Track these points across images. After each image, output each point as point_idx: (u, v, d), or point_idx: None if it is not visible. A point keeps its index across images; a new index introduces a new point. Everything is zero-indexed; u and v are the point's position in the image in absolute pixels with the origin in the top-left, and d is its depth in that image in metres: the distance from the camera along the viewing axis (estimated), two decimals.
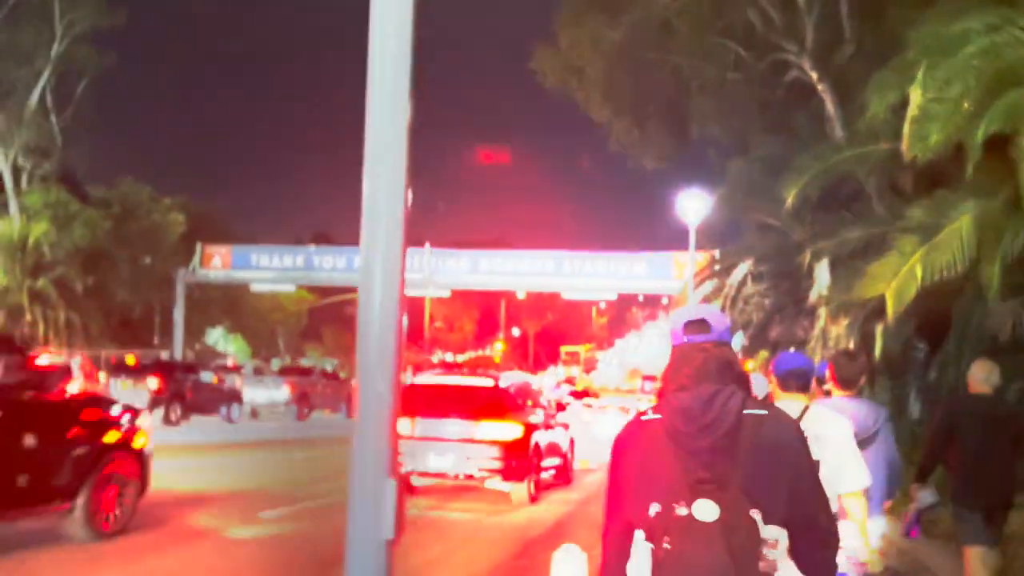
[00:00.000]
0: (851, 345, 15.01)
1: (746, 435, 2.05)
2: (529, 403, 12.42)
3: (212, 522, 8.82)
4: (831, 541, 2.15)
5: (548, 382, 44.72)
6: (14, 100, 37.15)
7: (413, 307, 70.95)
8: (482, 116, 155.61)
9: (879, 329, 14.52)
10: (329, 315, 70.80)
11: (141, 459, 7.98)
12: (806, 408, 3.60)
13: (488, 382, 12.10)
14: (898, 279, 9.57)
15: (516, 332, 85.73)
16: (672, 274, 31.61)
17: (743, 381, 2.17)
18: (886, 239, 10.62)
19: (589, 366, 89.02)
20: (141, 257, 38.14)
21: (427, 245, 35.69)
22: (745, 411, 2.08)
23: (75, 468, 7.10)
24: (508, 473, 10.47)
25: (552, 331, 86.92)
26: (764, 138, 21.16)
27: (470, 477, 10.56)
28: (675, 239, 29.13)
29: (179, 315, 38.82)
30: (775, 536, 2.00)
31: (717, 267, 20.27)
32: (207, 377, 25.87)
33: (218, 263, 38.40)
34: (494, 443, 10.40)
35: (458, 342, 79.33)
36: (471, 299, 73.97)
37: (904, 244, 9.69)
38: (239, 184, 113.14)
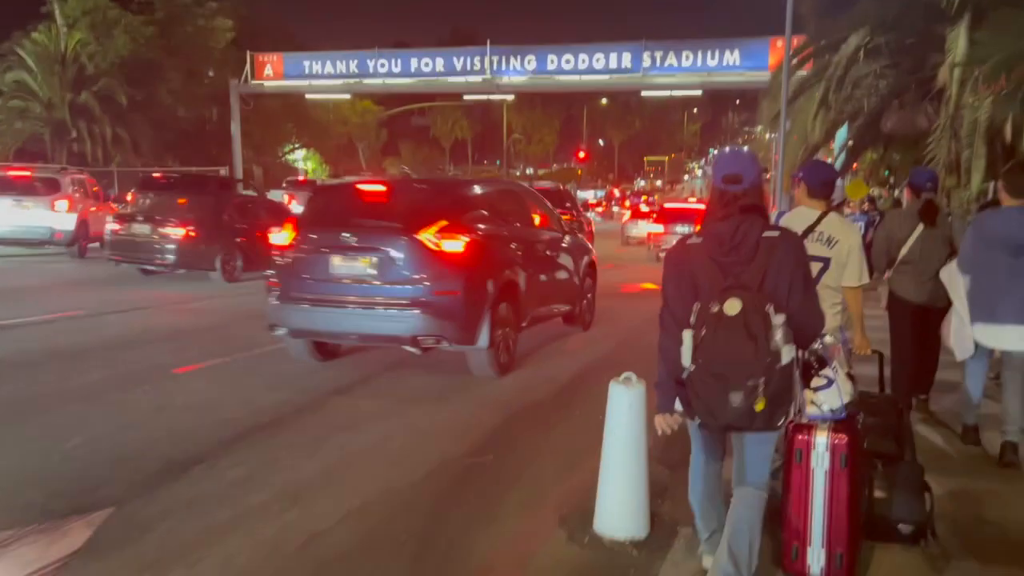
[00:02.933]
0: (1006, 133, 11.49)
1: (762, 252, 2.95)
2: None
3: None
4: (815, 323, 3.04)
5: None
6: None
7: (488, 116, 67.22)
8: None
9: None
10: (402, 127, 68.32)
11: None
12: (824, 214, 4.20)
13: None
14: None
15: (601, 143, 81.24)
16: (769, 63, 27.12)
17: (763, 214, 3.06)
18: None
19: (674, 177, 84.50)
20: (190, 66, 35.83)
21: (487, 43, 31.93)
22: (763, 234, 2.98)
23: None
24: None
25: (639, 140, 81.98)
26: None
27: None
28: (772, 27, 24.56)
29: (236, 129, 36.89)
30: (782, 322, 2.82)
31: (822, 42, 16.27)
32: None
33: (270, 72, 35.73)
34: None
35: (539, 154, 75.78)
36: (551, 108, 69.67)
37: None
38: None
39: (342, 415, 6.02)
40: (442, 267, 6.99)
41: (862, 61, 14.90)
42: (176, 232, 13.63)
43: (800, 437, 3.31)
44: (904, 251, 5.63)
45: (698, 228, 3.17)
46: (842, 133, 18.41)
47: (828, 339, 3.28)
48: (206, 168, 32.05)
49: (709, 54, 29.47)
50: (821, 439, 3.27)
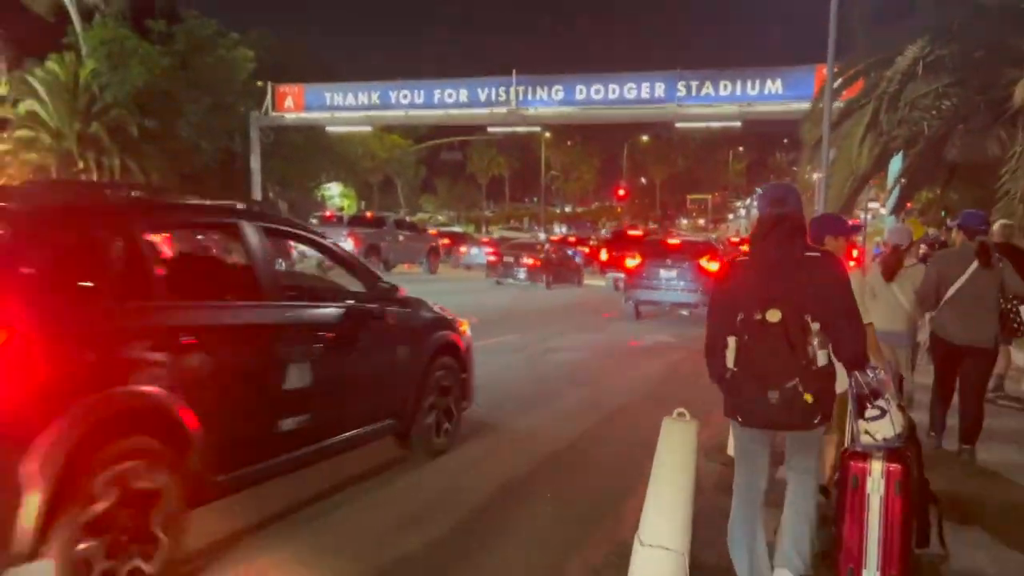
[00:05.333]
0: None
1: (804, 268, 3.28)
2: None
3: None
4: (852, 334, 3.29)
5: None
6: None
7: (525, 153, 65.61)
8: None
9: None
10: (439, 163, 67.07)
11: None
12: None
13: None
14: None
15: (643, 181, 79.03)
16: (815, 92, 24.82)
17: (803, 236, 3.43)
18: None
19: (718, 216, 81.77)
20: (214, 99, 34.77)
21: (513, 73, 30.23)
22: (806, 253, 3.34)
23: None
24: None
25: (682, 179, 79.62)
26: None
27: None
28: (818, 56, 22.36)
29: (256, 162, 35.73)
30: (818, 329, 3.18)
31: (872, 58, 14.00)
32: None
33: (291, 104, 34.53)
34: None
35: (577, 192, 73.84)
36: (590, 144, 67.92)
37: None
38: (337, 18, 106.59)
39: None
40: (708, 274, 14.43)
41: (920, 78, 12.61)
42: (527, 261, 24.35)
43: (856, 464, 3.46)
44: (952, 291, 5.78)
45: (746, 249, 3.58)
46: (895, 165, 15.99)
47: (880, 372, 3.46)
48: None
49: (749, 83, 27.30)
50: (876, 466, 3.41)
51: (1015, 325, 5.91)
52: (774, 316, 3.17)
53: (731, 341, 3.28)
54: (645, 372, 10.50)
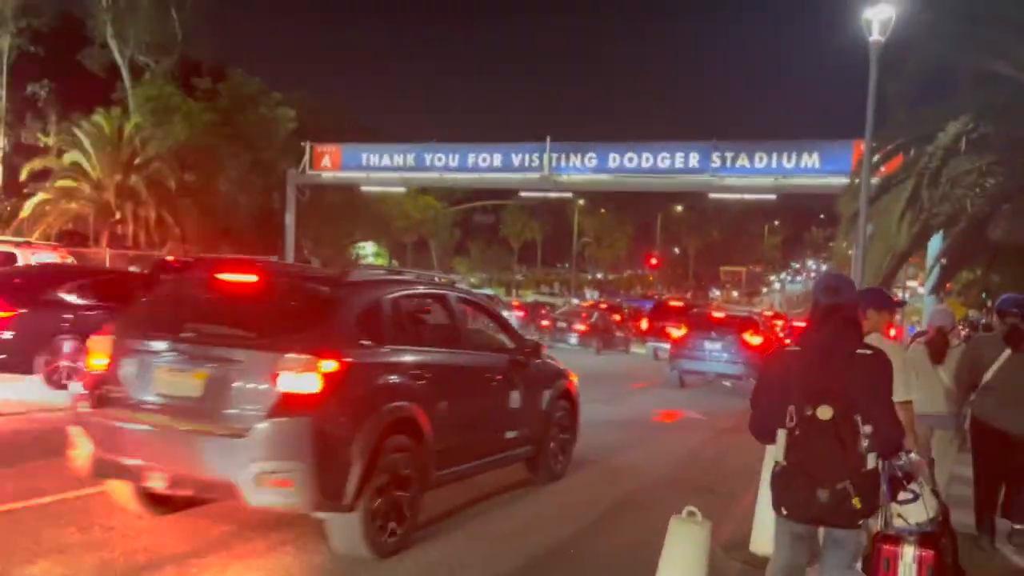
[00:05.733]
0: None
1: (855, 365, 3.28)
2: None
3: None
4: (893, 434, 3.31)
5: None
6: None
7: (558, 218, 65.75)
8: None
9: None
10: (472, 226, 67.42)
11: None
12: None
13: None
14: None
15: (676, 250, 78.70)
16: (852, 167, 24.43)
17: (858, 330, 3.47)
18: None
19: (752, 289, 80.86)
20: (254, 155, 35.36)
21: (547, 140, 30.32)
22: (857, 350, 3.33)
23: None
24: None
25: (716, 249, 79.21)
26: None
27: None
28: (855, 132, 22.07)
29: (290, 219, 35.99)
30: (870, 432, 3.16)
31: (912, 135, 13.65)
32: None
33: (328, 163, 34.95)
34: None
35: (610, 259, 73.64)
36: (624, 212, 67.93)
37: None
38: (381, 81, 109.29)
39: None
40: (750, 347, 15.97)
41: (963, 154, 12.22)
42: (579, 327, 27.10)
43: (888, 548, 3.39)
44: (988, 376, 5.70)
45: (796, 337, 3.59)
46: (935, 243, 15.48)
47: (914, 456, 3.50)
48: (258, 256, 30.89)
49: (785, 156, 27.00)
50: (908, 551, 3.33)
51: None
52: (825, 414, 3.16)
53: (781, 434, 3.28)
54: (671, 448, 10.02)
